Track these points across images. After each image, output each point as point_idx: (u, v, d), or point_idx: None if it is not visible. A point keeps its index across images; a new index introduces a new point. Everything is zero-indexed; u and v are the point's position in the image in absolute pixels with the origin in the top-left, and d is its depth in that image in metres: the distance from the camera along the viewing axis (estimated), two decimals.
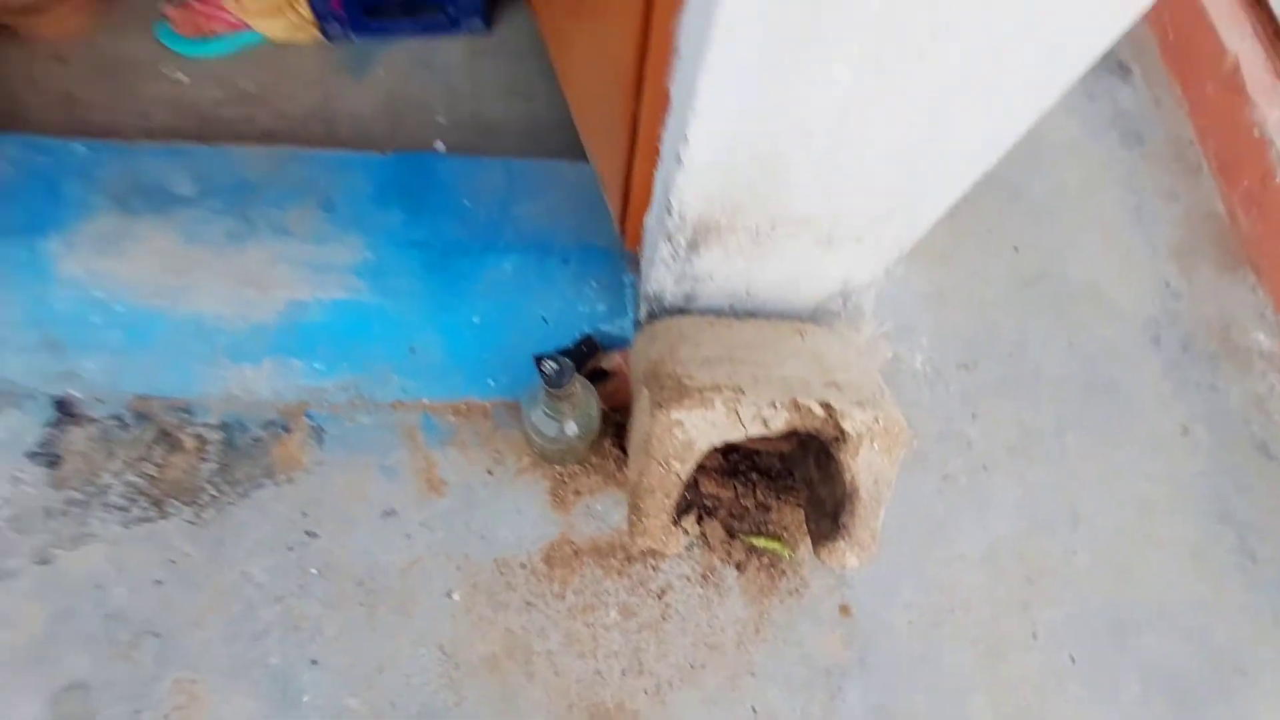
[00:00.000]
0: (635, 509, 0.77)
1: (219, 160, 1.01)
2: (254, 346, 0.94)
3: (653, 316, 0.97)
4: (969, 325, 1.16)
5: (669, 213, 0.73)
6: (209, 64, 1.22)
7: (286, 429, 0.95)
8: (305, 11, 1.20)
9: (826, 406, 0.71)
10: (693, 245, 0.79)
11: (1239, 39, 1.37)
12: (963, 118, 0.60)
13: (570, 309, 1.00)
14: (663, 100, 0.69)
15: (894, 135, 0.61)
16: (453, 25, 1.28)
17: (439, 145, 1.21)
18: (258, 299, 0.95)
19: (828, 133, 0.60)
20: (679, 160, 0.64)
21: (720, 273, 0.86)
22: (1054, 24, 0.51)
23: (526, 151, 1.22)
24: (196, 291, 0.95)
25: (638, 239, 0.95)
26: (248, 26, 1.21)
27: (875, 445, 0.72)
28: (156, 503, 0.90)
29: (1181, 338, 1.23)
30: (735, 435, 0.71)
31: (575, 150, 1.18)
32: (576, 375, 0.76)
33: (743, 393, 0.70)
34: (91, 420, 0.93)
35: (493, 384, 0.98)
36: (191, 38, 1.21)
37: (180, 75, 1.21)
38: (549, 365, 0.70)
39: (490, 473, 0.96)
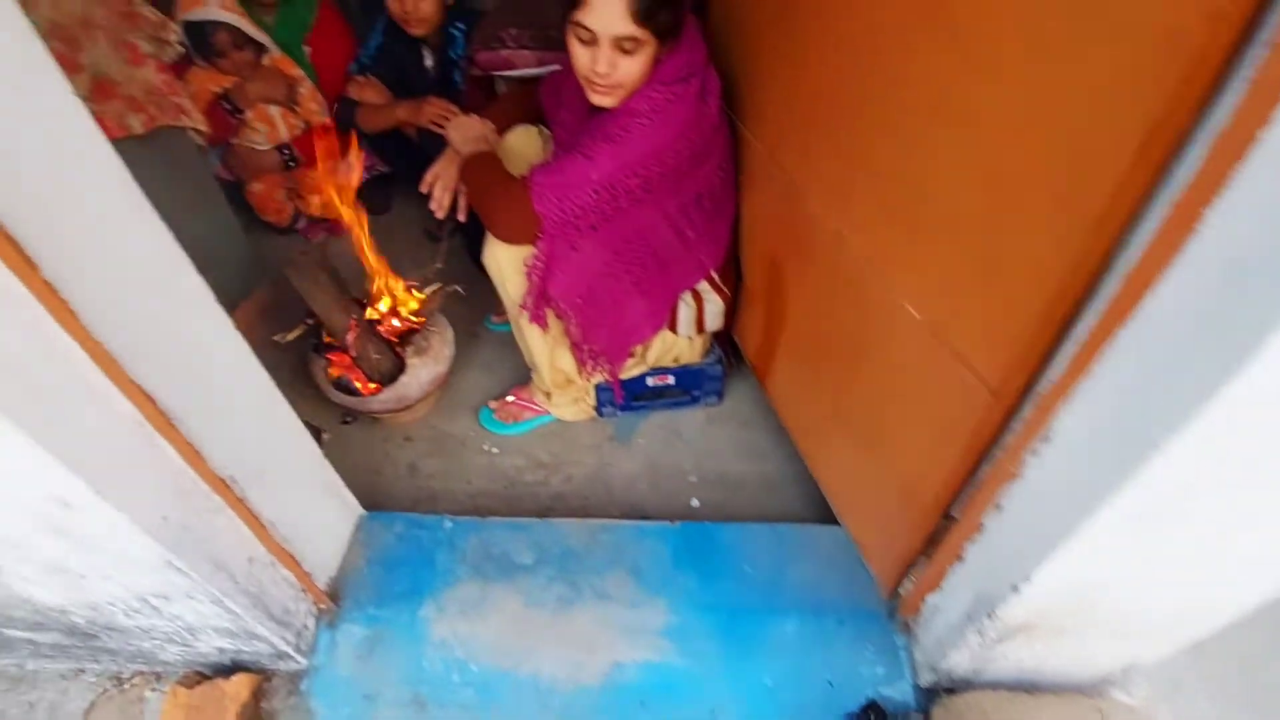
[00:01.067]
0: None
1: (550, 532, 1.28)
2: (580, 707, 1.08)
3: (937, 685, 1.05)
4: (1230, 675, 1.16)
5: (988, 618, 0.87)
6: (514, 439, 1.59)
7: None
8: (592, 400, 1.58)
9: None
10: (999, 639, 0.91)
11: None
12: (1258, 568, 0.74)
13: (852, 672, 1.10)
14: (974, 528, 0.88)
15: (1186, 580, 0.76)
16: (694, 401, 1.63)
17: (694, 502, 1.46)
18: (585, 661, 1.12)
19: (1137, 579, 0.76)
20: (1015, 589, 0.80)
21: (1015, 655, 0.96)
22: None
23: (766, 504, 1.44)
24: (536, 654, 1.13)
25: (915, 610, 1.09)
26: (547, 412, 1.59)
27: None
28: None
29: None
30: None
31: (809, 503, 1.40)
32: None
33: None
34: None
35: None
36: (505, 423, 1.60)
37: (494, 449, 1.58)
38: None
39: None
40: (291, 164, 2.00)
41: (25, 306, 0.62)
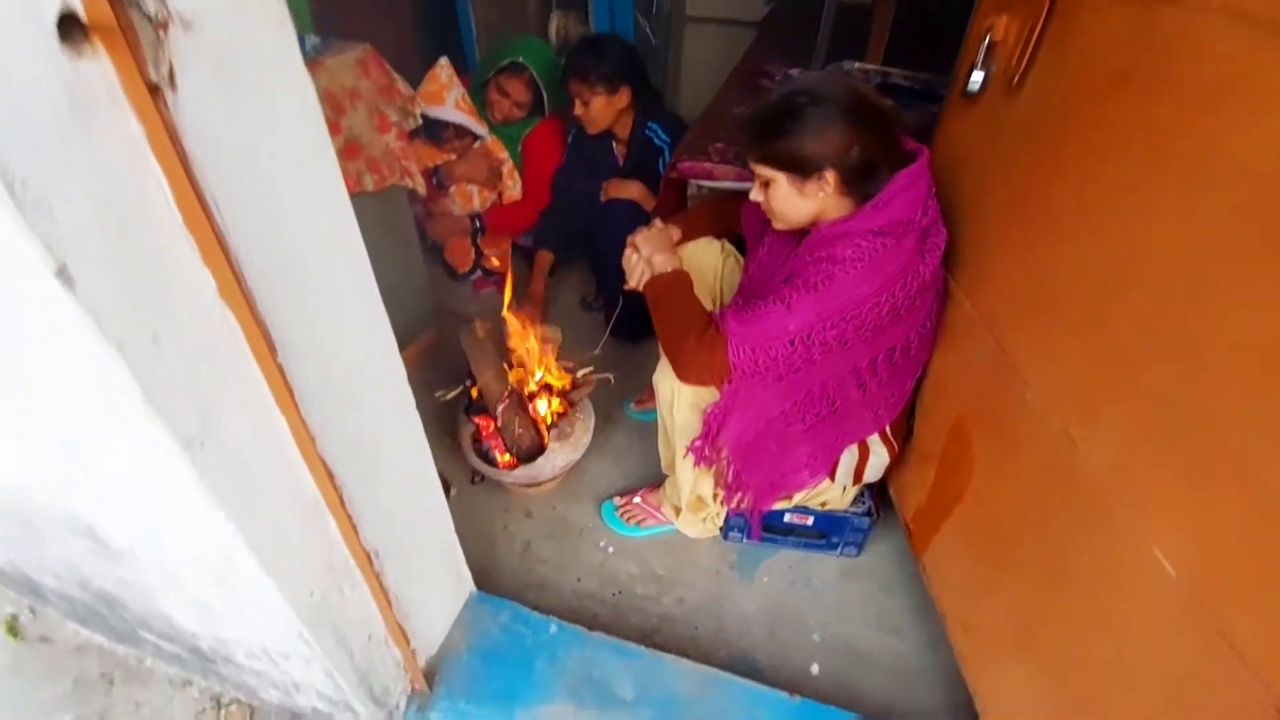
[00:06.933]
0: None
1: (656, 669, 1.18)
2: None
3: None
4: None
5: None
6: (631, 542, 1.52)
7: None
8: (719, 521, 1.48)
9: None
10: None
11: None
12: None
13: None
14: None
15: None
16: (829, 548, 1.49)
17: (814, 668, 1.30)
18: None
19: None
20: None
21: None
22: None
23: (895, 694, 1.25)
24: None
25: None
26: (669, 522, 1.51)
27: None
28: None
29: None
30: None
31: (948, 704, 1.20)
32: None
33: None
34: None
35: None
36: (626, 524, 1.53)
37: (609, 548, 1.52)
38: None
39: None
40: (479, 232, 2.13)
41: (258, 389, 0.64)
